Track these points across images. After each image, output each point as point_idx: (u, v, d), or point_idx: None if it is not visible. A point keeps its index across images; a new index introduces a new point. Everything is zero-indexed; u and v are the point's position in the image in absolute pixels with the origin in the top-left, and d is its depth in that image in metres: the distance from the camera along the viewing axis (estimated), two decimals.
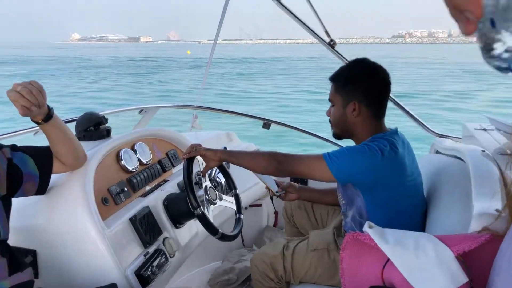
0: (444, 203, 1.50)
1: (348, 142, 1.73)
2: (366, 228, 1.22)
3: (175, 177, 2.06)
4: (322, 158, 1.47)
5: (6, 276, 1.17)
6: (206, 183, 1.80)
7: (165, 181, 2.01)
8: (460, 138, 2.30)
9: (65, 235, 1.44)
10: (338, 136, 1.69)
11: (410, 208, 1.55)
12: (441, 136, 2.45)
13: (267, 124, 2.97)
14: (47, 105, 1.29)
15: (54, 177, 1.46)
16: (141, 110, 2.71)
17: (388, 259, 1.04)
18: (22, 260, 1.29)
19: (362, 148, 1.47)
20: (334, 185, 1.82)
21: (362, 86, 1.57)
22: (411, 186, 1.54)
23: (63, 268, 1.45)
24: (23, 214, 1.47)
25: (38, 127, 2.03)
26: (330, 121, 1.69)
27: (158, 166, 2.02)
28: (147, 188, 1.88)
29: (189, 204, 1.67)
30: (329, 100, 1.67)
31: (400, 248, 1.01)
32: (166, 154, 2.15)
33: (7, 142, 1.49)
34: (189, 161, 1.69)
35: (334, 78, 1.64)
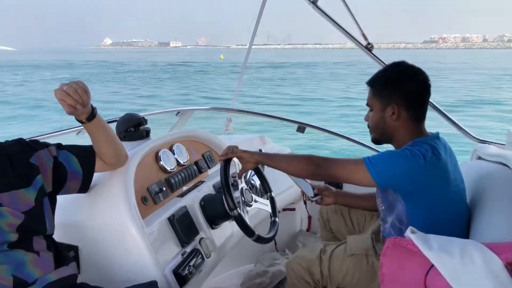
0: (490, 210, 1.45)
1: (386, 148, 1.70)
2: (408, 233, 1.19)
3: (211, 178, 2.09)
4: (362, 162, 1.45)
5: (52, 270, 1.21)
6: (242, 185, 1.80)
7: (201, 182, 2.03)
8: (504, 144, 2.21)
9: (106, 232, 1.48)
10: (377, 141, 1.66)
11: (453, 215, 1.50)
12: (484, 142, 2.36)
13: (301, 128, 2.96)
14: (91, 104, 1.33)
15: (96, 175, 1.50)
16: (178, 113, 2.77)
17: (432, 266, 1.01)
18: (67, 254, 1.34)
19: (404, 153, 1.43)
20: (371, 189, 1.79)
21: (401, 89, 1.54)
22: (453, 193, 1.49)
23: (103, 264, 1.48)
24: (66, 210, 1.52)
25: (81, 127, 2.12)
26: (368, 126, 1.66)
27: (195, 167, 2.05)
28: (184, 188, 1.91)
29: (225, 205, 1.68)
30: (367, 104, 1.65)
31: (446, 254, 0.98)
32: (202, 155, 2.17)
33: (52, 141, 1.55)
34: (226, 163, 1.70)
35: (372, 82, 1.62)
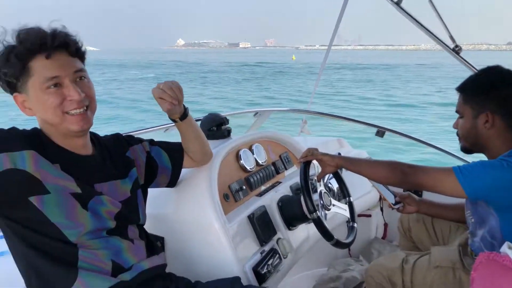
0: None
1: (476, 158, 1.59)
2: (505, 249, 1.12)
3: (288, 179, 2.10)
4: (452, 172, 1.38)
5: (145, 258, 1.29)
6: (321, 188, 1.79)
7: (279, 182, 2.05)
8: None
9: (190, 225, 1.54)
10: (467, 150, 1.57)
11: None
12: None
13: (380, 132, 2.88)
14: (183, 104, 1.40)
15: (183, 171, 1.57)
16: (256, 113, 2.82)
17: None
18: (156, 244, 1.41)
19: (500, 164, 1.34)
20: (458, 199, 1.70)
21: (497, 95, 1.44)
22: None
23: (187, 256, 1.55)
24: (154, 203, 1.61)
25: (169, 125, 2.24)
26: (457, 134, 1.58)
27: (272, 168, 2.07)
28: (262, 188, 1.94)
29: (304, 207, 1.68)
30: (457, 111, 1.56)
31: None
32: (280, 156, 2.19)
33: (142, 137, 1.64)
34: (306, 165, 1.70)
35: (463, 88, 1.53)
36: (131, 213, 1.31)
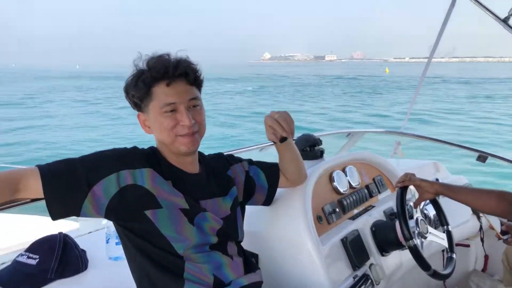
0: None
1: None
2: None
3: (381, 204, 2.06)
4: None
5: (242, 274, 1.35)
6: (417, 214, 1.74)
7: (372, 206, 2.02)
8: None
9: (284, 244, 1.59)
10: None
11: None
12: None
13: (482, 157, 2.70)
14: None
15: (278, 190, 1.63)
16: (349, 134, 2.81)
17: None
18: (253, 261, 1.48)
19: None
20: None
21: None
22: None
23: (279, 274, 1.60)
24: (249, 220, 1.69)
25: (265, 144, 2.32)
26: None
27: (366, 191, 2.05)
28: (355, 211, 1.93)
29: (398, 234, 1.64)
30: None
31: None
32: (373, 179, 2.16)
33: (240, 156, 1.73)
34: (403, 190, 1.67)
35: None
36: (231, 230, 1.39)
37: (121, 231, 1.26)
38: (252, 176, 1.55)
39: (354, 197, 1.94)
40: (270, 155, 1.78)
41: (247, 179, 1.53)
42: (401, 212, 1.60)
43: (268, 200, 1.61)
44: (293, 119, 1.38)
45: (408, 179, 1.67)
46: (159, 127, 1.26)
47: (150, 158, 1.28)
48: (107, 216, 1.20)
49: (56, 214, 1.13)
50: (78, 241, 1.67)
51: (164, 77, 1.23)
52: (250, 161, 1.60)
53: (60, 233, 1.58)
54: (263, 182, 1.57)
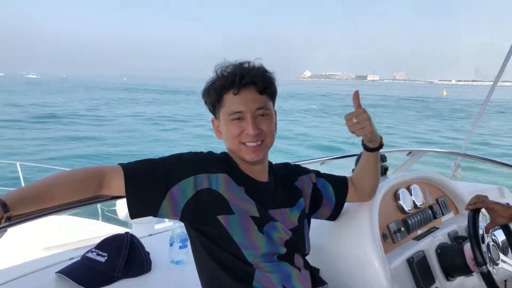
0: None
1: None
2: None
3: (445, 226, 1.98)
4: None
5: (310, 287, 1.33)
6: (488, 239, 1.65)
7: (435, 228, 1.94)
8: None
9: (348, 260, 1.55)
10: None
11: None
12: None
13: None
14: (380, 136, 1.42)
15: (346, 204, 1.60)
16: (409, 152, 2.73)
17: None
18: (319, 275, 1.45)
19: None
20: None
21: None
22: None
23: None
24: (312, 233, 1.67)
25: (325, 158, 2.30)
26: None
27: (430, 212, 1.98)
28: (419, 232, 1.86)
29: (468, 258, 1.57)
30: None
31: None
32: (437, 200, 2.08)
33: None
34: (475, 213, 1.59)
35: None
36: (299, 242, 1.37)
37: (193, 234, 1.28)
38: (320, 188, 1.53)
39: (418, 217, 1.87)
40: (331, 169, 1.75)
41: (314, 191, 1.51)
42: (474, 236, 1.53)
43: (333, 215, 1.58)
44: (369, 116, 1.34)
45: (480, 201, 1.59)
46: (227, 134, 1.28)
47: (225, 163, 1.30)
48: (182, 218, 1.22)
49: (135, 212, 1.17)
50: (143, 241, 1.71)
51: (231, 86, 1.25)
52: (317, 173, 1.58)
53: (127, 233, 1.62)
54: (330, 196, 1.54)
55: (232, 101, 1.26)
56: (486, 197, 1.63)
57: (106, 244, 1.56)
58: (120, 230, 2.62)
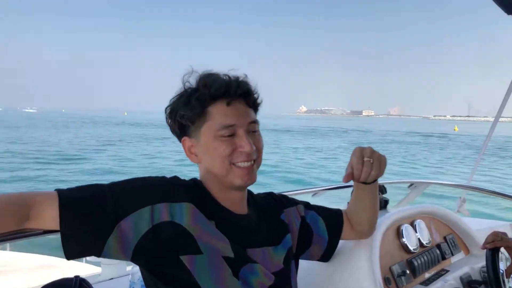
0: None
1: None
2: None
3: (456, 268, 1.72)
4: None
5: None
6: (510, 284, 1.40)
7: (445, 271, 1.68)
8: None
9: None
10: None
11: None
12: None
13: None
14: None
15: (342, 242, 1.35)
16: (411, 185, 2.49)
17: None
18: None
19: None
20: None
21: None
22: None
23: None
24: (304, 277, 1.41)
25: (318, 188, 2.06)
26: None
27: (437, 251, 1.72)
28: (427, 275, 1.60)
29: None
30: None
31: None
32: (444, 238, 1.83)
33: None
34: (494, 253, 1.35)
35: None
36: (283, 287, 1.12)
37: (148, 278, 1.02)
38: (309, 223, 1.28)
39: (425, 258, 1.62)
40: (322, 202, 1.51)
41: (303, 226, 1.27)
42: (494, 280, 1.28)
43: (326, 255, 1.33)
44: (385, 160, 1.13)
45: (499, 239, 1.35)
46: (213, 153, 1.03)
47: (194, 191, 1.06)
48: (134, 259, 0.96)
49: (72, 252, 0.91)
50: (102, 286, 1.44)
51: (224, 96, 1.03)
52: (307, 205, 1.33)
53: (76, 277, 1.35)
54: (322, 232, 1.29)
55: (222, 114, 1.03)
56: (505, 234, 1.40)
57: None
58: (88, 271, 2.32)
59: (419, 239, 1.66)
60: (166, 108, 1.09)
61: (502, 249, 1.41)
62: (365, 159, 1.08)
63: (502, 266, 1.43)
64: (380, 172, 1.11)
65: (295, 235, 1.24)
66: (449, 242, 1.83)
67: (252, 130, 1.07)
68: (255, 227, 1.13)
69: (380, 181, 2.38)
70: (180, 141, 1.11)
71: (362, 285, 1.27)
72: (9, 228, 0.87)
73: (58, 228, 0.89)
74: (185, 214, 0.99)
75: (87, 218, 0.90)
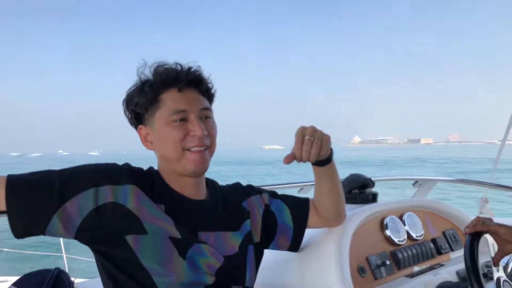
0: None
1: None
2: None
3: (454, 263, 1.62)
4: None
5: None
6: (499, 274, 1.30)
7: (440, 265, 1.60)
8: None
9: None
10: None
11: None
12: None
13: None
14: (330, 148, 1.14)
15: (310, 232, 1.32)
16: (416, 182, 2.37)
17: None
18: None
19: None
20: None
21: None
22: None
23: None
24: (274, 270, 1.39)
25: (306, 183, 2.03)
26: None
27: (432, 245, 1.64)
28: (416, 268, 1.53)
29: None
30: None
31: None
32: (443, 233, 1.74)
33: None
34: (474, 238, 1.26)
35: None
36: (235, 272, 1.11)
37: (97, 257, 1.06)
38: (274, 211, 1.27)
39: (414, 251, 1.54)
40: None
41: (267, 214, 1.26)
42: (471, 268, 1.19)
43: (294, 245, 1.30)
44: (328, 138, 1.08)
45: (481, 224, 1.27)
46: (165, 139, 1.06)
47: (141, 176, 1.09)
48: (77, 237, 1.00)
49: (18, 230, 0.96)
50: (83, 285, 1.49)
51: (175, 82, 1.08)
52: (272, 193, 1.32)
53: (56, 269, 1.41)
54: (286, 221, 1.27)
55: (173, 100, 1.07)
56: (490, 219, 1.31)
57: (25, 280, 1.35)
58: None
59: (408, 231, 1.59)
60: (123, 100, 1.15)
61: (489, 237, 1.32)
62: (306, 137, 1.07)
63: (491, 254, 1.34)
64: (322, 150, 1.08)
65: (258, 223, 1.23)
66: (449, 237, 1.73)
67: (205, 116, 1.10)
68: (211, 212, 1.14)
69: (379, 177, 2.31)
70: (136, 130, 1.15)
71: (328, 272, 1.23)
72: None
73: (4, 208, 0.96)
74: (129, 196, 1.02)
75: (32, 198, 0.95)
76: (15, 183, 0.96)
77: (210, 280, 1.05)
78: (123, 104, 1.14)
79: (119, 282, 1.02)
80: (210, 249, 1.07)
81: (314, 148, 1.06)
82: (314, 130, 1.08)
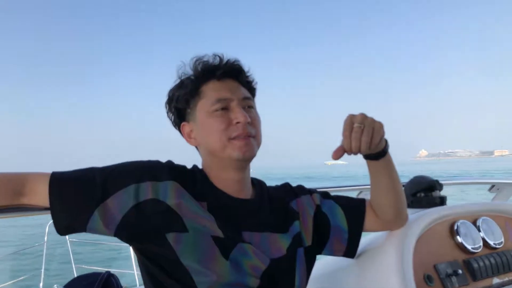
0: None
1: None
2: None
3: None
4: None
5: None
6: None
7: None
8: None
9: None
10: None
11: None
12: None
13: None
14: (385, 139, 1.04)
15: (368, 237, 1.20)
16: (493, 186, 2.10)
17: None
18: None
19: None
20: None
21: None
22: None
23: None
24: (328, 279, 1.28)
25: (364, 186, 1.88)
26: None
27: None
28: (496, 280, 1.33)
29: None
30: None
31: None
32: None
33: None
34: None
35: None
36: (283, 276, 1.02)
37: (138, 255, 1.02)
38: (326, 213, 1.16)
39: (492, 260, 1.35)
40: None
41: (318, 215, 1.15)
42: None
43: (350, 250, 1.17)
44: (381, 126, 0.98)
45: None
46: (208, 131, 1.02)
47: (184, 173, 1.04)
48: (117, 234, 0.97)
49: (60, 226, 0.95)
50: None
51: (214, 72, 1.04)
52: (324, 194, 1.22)
53: (107, 272, 1.41)
54: (340, 223, 1.16)
55: (214, 89, 1.04)
56: None
57: (76, 282, 1.36)
58: None
59: (483, 238, 1.40)
60: (165, 102, 1.13)
61: None
62: (355, 125, 0.96)
63: None
64: (374, 139, 0.96)
65: (308, 225, 1.13)
66: None
67: (248, 105, 1.05)
68: (256, 211, 1.07)
69: (449, 181, 2.08)
70: (180, 131, 1.12)
71: (389, 280, 1.10)
72: (5, 202, 0.95)
73: (48, 204, 0.95)
74: (169, 192, 0.98)
75: (74, 194, 0.94)
76: (58, 179, 0.96)
77: (254, 283, 0.97)
78: (166, 106, 1.12)
79: (159, 281, 0.98)
80: (255, 250, 0.99)
81: (365, 136, 0.95)
82: (364, 117, 0.97)
